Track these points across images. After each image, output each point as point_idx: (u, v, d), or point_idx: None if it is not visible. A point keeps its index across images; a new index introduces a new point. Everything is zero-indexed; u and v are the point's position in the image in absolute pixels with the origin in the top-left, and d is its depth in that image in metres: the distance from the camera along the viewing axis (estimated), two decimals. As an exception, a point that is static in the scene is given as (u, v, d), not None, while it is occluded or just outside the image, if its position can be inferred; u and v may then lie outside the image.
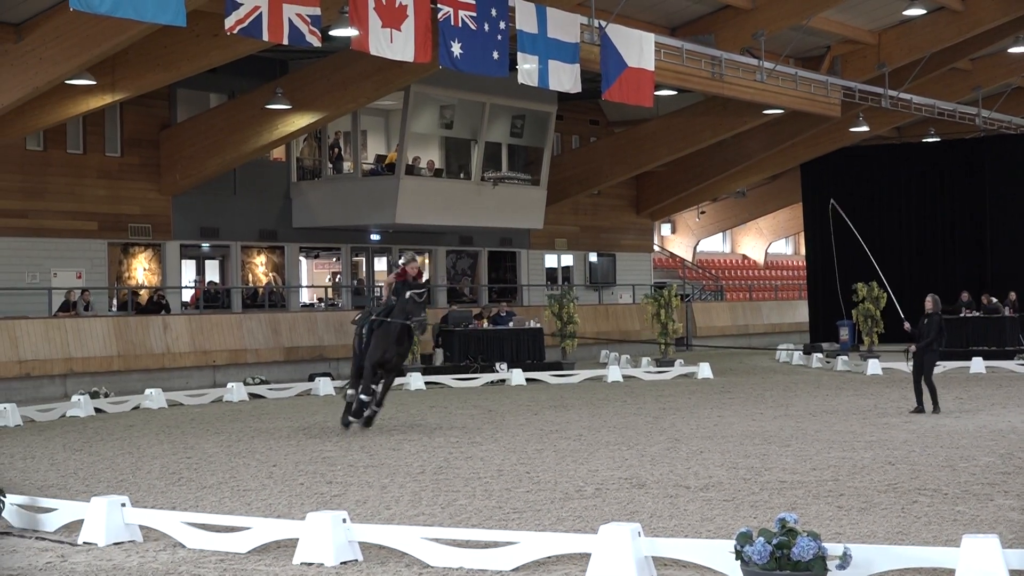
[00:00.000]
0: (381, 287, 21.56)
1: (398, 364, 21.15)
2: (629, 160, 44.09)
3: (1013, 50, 42.44)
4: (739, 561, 9.28)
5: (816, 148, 47.24)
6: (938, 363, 31.54)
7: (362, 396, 20.54)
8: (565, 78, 28.31)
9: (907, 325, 22.91)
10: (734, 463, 16.15)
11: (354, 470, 16.30)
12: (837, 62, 39.86)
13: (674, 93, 38.15)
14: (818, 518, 12.10)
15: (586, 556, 10.08)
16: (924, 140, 49.55)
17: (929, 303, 22.37)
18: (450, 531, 11.07)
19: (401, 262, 21.25)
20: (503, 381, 32.04)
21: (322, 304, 41.06)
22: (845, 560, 9.27)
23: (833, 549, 9.27)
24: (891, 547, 10.02)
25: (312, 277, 43.43)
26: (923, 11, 36.89)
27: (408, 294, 20.12)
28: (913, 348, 22.15)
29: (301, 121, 33.50)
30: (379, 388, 20.67)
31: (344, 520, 10.83)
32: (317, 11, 22.84)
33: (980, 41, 40.69)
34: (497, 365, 33.27)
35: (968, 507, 12.72)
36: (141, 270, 36.05)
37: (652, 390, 29.27)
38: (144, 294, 35.16)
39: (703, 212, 58.52)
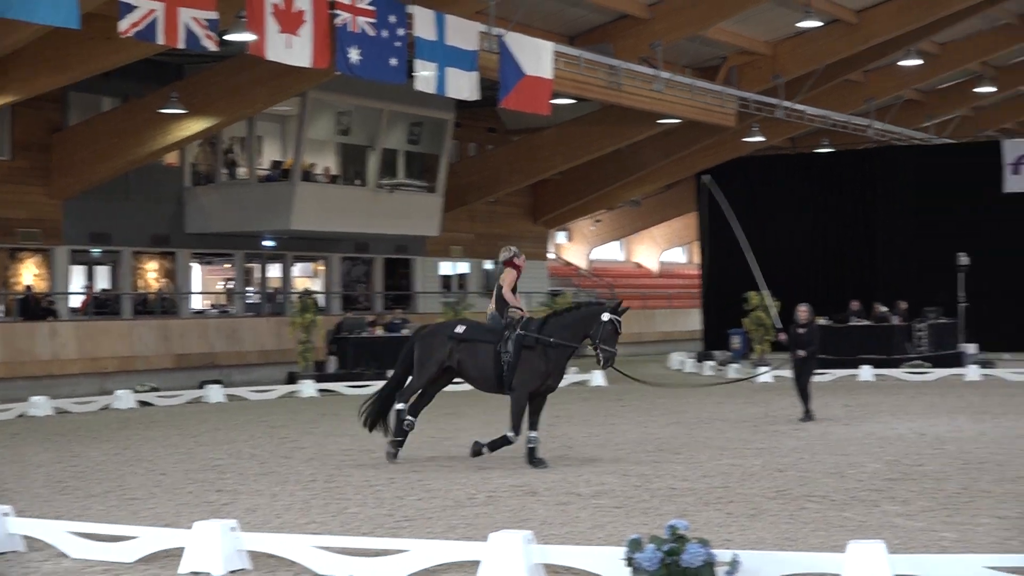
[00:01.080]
0: (500, 287, 17.40)
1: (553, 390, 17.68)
2: (526, 168, 44.21)
3: (905, 63, 43.20)
4: (630, 568, 9.30)
5: (711, 158, 47.59)
6: (826, 371, 32.18)
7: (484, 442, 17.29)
8: (463, 85, 28.31)
9: (782, 335, 23.17)
10: (625, 470, 16.20)
11: (244, 478, 16.13)
12: (733, 72, 40.29)
13: (572, 102, 38.29)
14: (708, 525, 12.16)
15: (476, 564, 10.05)
16: (817, 151, 50.16)
17: (806, 313, 22.65)
18: (340, 539, 10.97)
19: (509, 256, 17.75)
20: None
21: (214, 311, 40.65)
22: (734, 566, 9.32)
23: (722, 555, 9.32)
24: (779, 553, 10.10)
25: (204, 283, 43.00)
26: (818, 23, 37.41)
27: (608, 317, 16.92)
28: (802, 353, 22.37)
29: (196, 126, 33.20)
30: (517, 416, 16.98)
31: (233, 528, 10.70)
32: (214, 15, 22.61)
33: (873, 54, 41.37)
34: (390, 372, 33.10)
35: (855, 513, 12.85)
36: (30, 275, 35.45)
37: (550, 398, 29.20)
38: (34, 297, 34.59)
39: (599, 220, 58.77)
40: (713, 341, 46.27)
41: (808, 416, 22.16)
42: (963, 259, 37.50)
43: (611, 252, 63.03)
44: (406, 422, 17.46)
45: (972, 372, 32.62)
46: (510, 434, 16.92)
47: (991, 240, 40.34)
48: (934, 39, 43.62)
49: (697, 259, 53.92)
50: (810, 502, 13.55)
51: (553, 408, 25.97)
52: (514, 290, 17.46)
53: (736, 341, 41.83)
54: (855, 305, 38.11)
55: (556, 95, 32.88)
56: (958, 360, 35.87)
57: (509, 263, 17.65)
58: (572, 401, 27.89)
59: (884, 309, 37.39)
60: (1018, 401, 25.55)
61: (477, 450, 17.25)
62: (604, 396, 29.45)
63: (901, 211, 45.61)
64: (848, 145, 48.71)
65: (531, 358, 16.89)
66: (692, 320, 53.13)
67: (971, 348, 37.36)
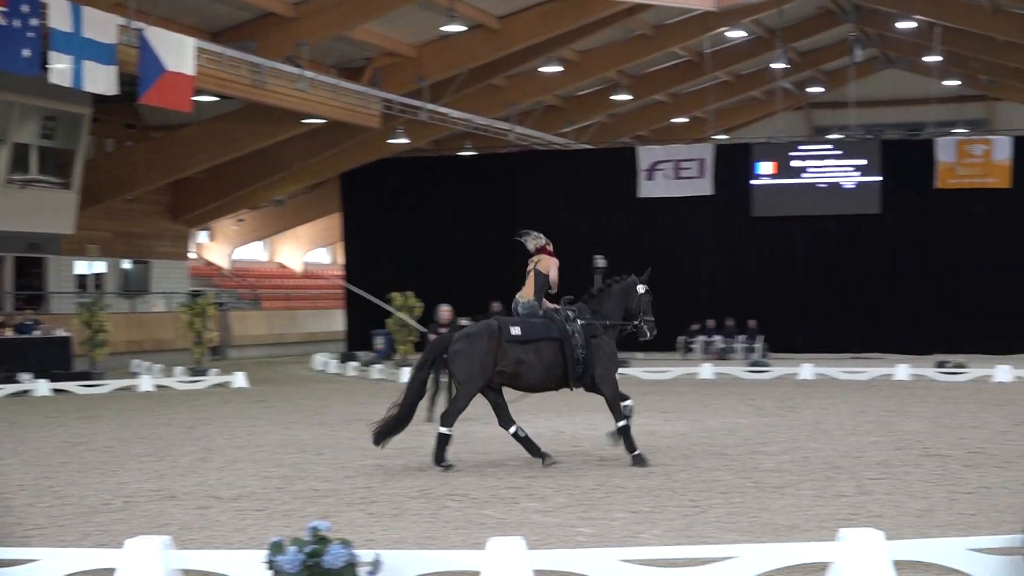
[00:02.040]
0: (536, 271, 16.68)
1: None
2: (166, 165, 43.16)
3: (545, 69, 44.19)
4: (271, 571, 9.17)
5: (356, 158, 47.62)
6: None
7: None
8: (101, 79, 27.44)
9: (431, 336, 23.31)
10: (267, 472, 16.00)
11: None
12: (378, 74, 40.33)
13: (214, 99, 37.60)
14: (350, 525, 12.10)
15: (112, 572, 9.68)
16: (461, 153, 50.85)
17: (448, 313, 22.90)
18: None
19: (542, 244, 17.06)
20: (27, 392, 30.72)
21: None
22: (376, 566, 9.30)
23: (365, 555, 9.28)
24: (420, 551, 10.15)
25: None
26: (462, 27, 37.86)
27: (644, 288, 16.87)
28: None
29: None
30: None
31: None
32: None
33: (515, 59, 42.15)
34: (20, 375, 31.86)
35: (496, 511, 13.02)
36: None
37: (186, 400, 28.73)
38: None
39: (241, 220, 57.97)
40: (357, 342, 46.37)
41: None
42: (600, 261, 38.62)
43: (254, 252, 62.29)
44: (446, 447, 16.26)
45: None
46: (621, 423, 16.25)
47: (627, 243, 41.74)
48: (574, 47, 44.81)
49: (341, 260, 53.90)
50: (451, 500, 13.66)
51: (194, 410, 25.54)
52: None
53: (380, 342, 41.98)
54: (496, 306, 38.68)
55: (198, 92, 32.24)
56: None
57: (543, 250, 16.96)
58: (214, 403, 27.43)
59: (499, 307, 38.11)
60: (654, 399, 26.47)
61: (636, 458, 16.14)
62: (246, 397, 29.05)
63: (541, 213, 46.67)
64: (491, 148, 49.55)
65: (602, 345, 16.39)
66: (336, 321, 53.08)
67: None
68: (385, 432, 16.32)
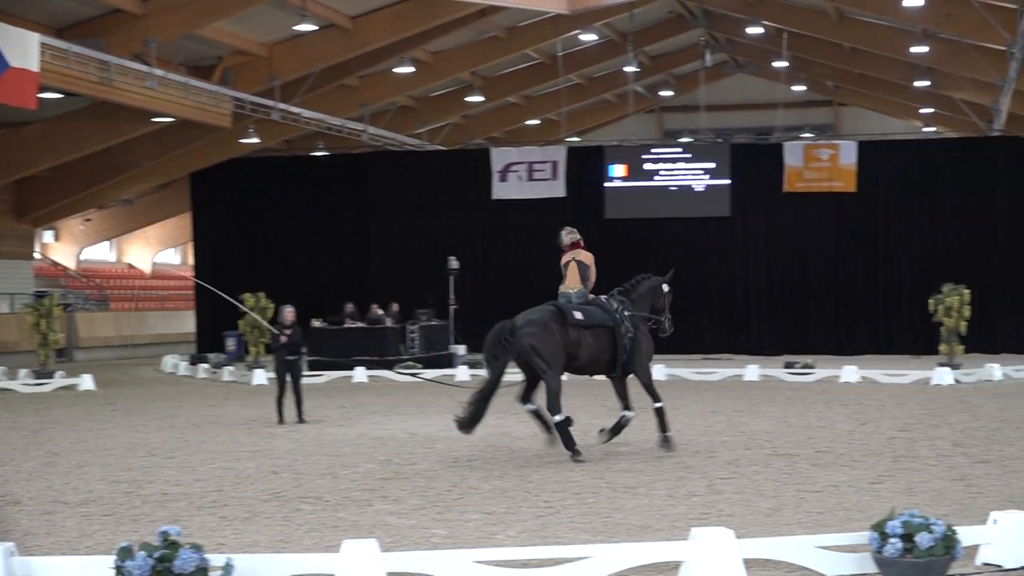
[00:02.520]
0: (578, 262, 17.98)
1: None
2: (10, 164, 42.12)
3: (398, 70, 44.06)
4: (119, 577, 9.00)
5: (207, 158, 47.02)
6: (321, 373, 32.58)
7: (627, 413, 18.07)
8: (-61, 74, 26.73)
9: (284, 337, 23.07)
10: (116, 477, 15.72)
11: None
12: (229, 73, 39.86)
13: (60, 96, 36.83)
14: (201, 529, 11.95)
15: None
16: (313, 153, 50.52)
17: (291, 314, 22.83)
18: None
19: (576, 239, 18.40)
20: None
21: None
22: (228, 570, 9.21)
23: (216, 560, 9.18)
24: (274, 555, 10.06)
25: None
26: (314, 27, 37.54)
27: (668, 288, 18.66)
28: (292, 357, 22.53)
29: None
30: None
31: None
32: None
33: (368, 60, 41.95)
34: None
35: (349, 513, 12.95)
36: None
37: (30, 403, 28.12)
38: None
39: (88, 219, 56.90)
40: (207, 343, 45.81)
41: (301, 418, 22.24)
42: (453, 263, 38.67)
43: (101, 252, 61.20)
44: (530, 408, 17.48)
45: (462, 372, 33.64)
46: (658, 404, 17.73)
47: (481, 244, 41.81)
48: (427, 48, 44.73)
49: (192, 261, 53.20)
50: (304, 503, 13.56)
51: (39, 414, 25.02)
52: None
53: (231, 343, 41.52)
54: (349, 307, 38.58)
55: (43, 89, 31.57)
56: (449, 361, 36.95)
57: (577, 244, 18.23)
58: (59, 406, 26.89)
59: (380, 312, 38.04)
60: (504, 401, 26.48)
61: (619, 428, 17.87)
62: (94, 400, 28.53)
63: (395, 214, 46.63)
64: (344, 149, 49.29)
65: (642, 337, 17.68)
66: (186, 322, 52.38)
67: (461, 349, 38.56)
68: (471, 421, 16.76)
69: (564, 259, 18.16)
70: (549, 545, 10.86)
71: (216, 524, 12.37)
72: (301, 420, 22.13)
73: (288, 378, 22.46)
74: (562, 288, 17.92)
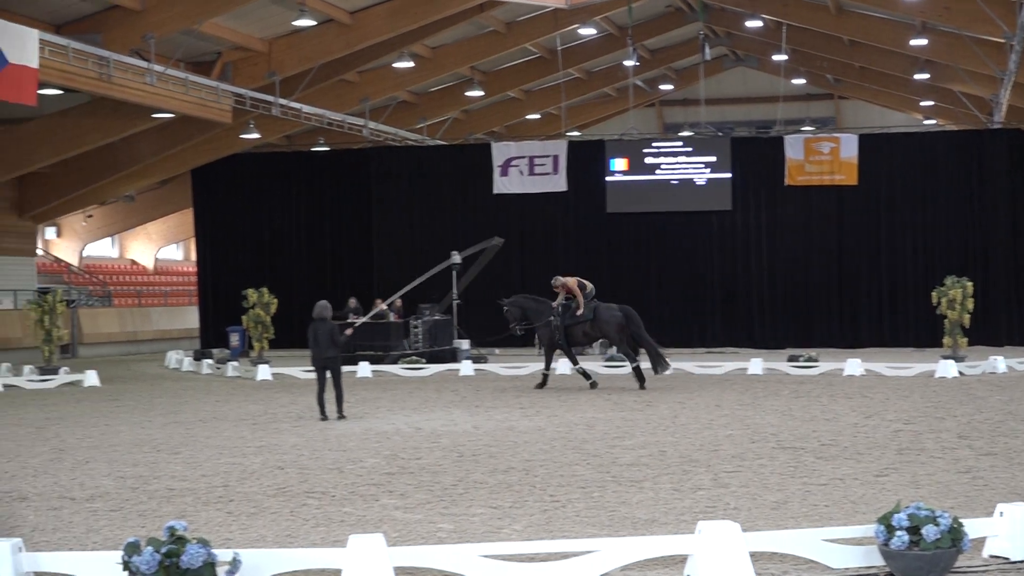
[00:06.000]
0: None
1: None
2: (10, 160, 42.11)
3: (398, 65, 44.05)
4: (127, 572, 9.01)
5: (207, 154, 47.04)
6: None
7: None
8: (-60, 71, 26.71)
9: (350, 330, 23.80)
10: (122, 472, 15.73)
11: None
12: (229, 68, 39.88)
13: (60, 92, 36.81)
14: (208, 524, 11.96)
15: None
16: (314, 149, 50.52)
17: (354, 303, 22.90)
18: None
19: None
20: None
21: None
22: (235, 565, 9.19)
23: (223, 555, 9.16)
24: (280, 550, 10.06)
25: None
26: (313, 22, 37.58)
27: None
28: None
29: None
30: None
31: None
32: None
33: (368, 55, 41.97)
34: None
35: (355, 508, 12.96)
36: None
37: (35, 399, 28.14)
38: None
39: (90, 216, 56.93)
40: (211, 339, 45.85)
41: (341, 414, 22.11)
42: (456, 257, 38.66)
43: (104, 249, 61.24)
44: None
45: (466, 367, 33.64)
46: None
47: (482, 240, 41.72)
48: (426, 43, 44.73)
49: (194, 256, 53.22)
50: (311, 498, 13.57)
51: (44, 410, 25.06)
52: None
53: (235, 339, 41.53)
54: (353, 302, 38.60)
55: (43, 85, 31.56)
56: (453, 356, 36.93)
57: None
58: (65, 402, 26.92)
59: (384, 306, 38.03)
60: (509, 396, 26.56)
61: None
62: (98, 396, 28.54)
63: (397, 209, 46.64)
64: (344, 144, 49.29)
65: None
66: (190, 318, 52.44)
67: (465, 344, 38.56)
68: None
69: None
70: (555, 539, 10.87)
71: (223, 519, 12.38)
72: (341, 416, 21.99)
73: (328, 375, 22.26)
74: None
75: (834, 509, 12.47)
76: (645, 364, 27.69)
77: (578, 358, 29.27)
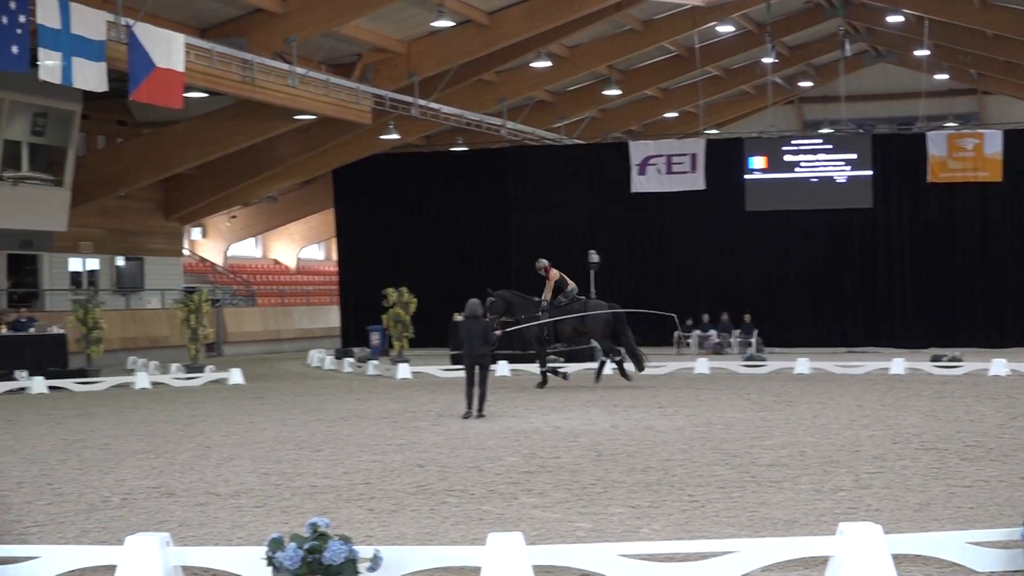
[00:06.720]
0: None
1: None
2: (157, 162, 43.04)
3: (535, 65, 44.17)
4: (271, 567, 9.16)
5: (348, 154, 47.60)
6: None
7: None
8: (90, 76, 27.34)
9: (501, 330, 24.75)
10: (265, 469, 15.98)
11: None
12: (368, 70, 40.32)
13: (205, 95, 37.52)
14: (350, 521, 12.10)
15: (113, 569, 9.68)
16: (453, 149, 50.84)
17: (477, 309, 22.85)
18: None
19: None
20: (23, 389, 30.70)
21: None
22: (376, 562, 9.29)
23: (364, 552, 9.27)
24: (420, 547, 10.13)
25: None
26: (451, 23, 37.85)
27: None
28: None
29: None
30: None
31: None
32: None
33: (505, 55, 42.16)
34: (17, 373, 31.83)
35: (494, 506, 13.02)
36: None
37: (182, 396, 28.70)
38: None
39: (234, 217, 57.95)
40: (352, 338, 46.37)
41: (480, 412, 22.14)
42: (594, 256, 38.59)
43: (248, 249, 62.29)
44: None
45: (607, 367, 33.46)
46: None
47: (620, 238, 41.71)
48: (563, 42, 44.82)
49: (335, 256, 53.86)
50: (450, 496, 13.66)
51: (190, 407, 25.55)
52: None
53: (375, 337, 41.94)
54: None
55: (188, 88, 32.21)
56: (591, 354, 36.80)
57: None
58: (210, 400, 27.42)
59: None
60: (648, 394, 26.49)
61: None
62: (243, 394, 29.03)
63: (535, 209, 46.73)
64: (482, 144, 49.54)
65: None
66: (331, 317, 53.09)
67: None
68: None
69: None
70: (694, 539, 10.82)
71: (364, 516, 12.52)
72: (480, 414, 22.01)
73: (476, 371, 22.29)
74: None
75: (979, 511, 12.25)
76: (628, 364, 29.04)
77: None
